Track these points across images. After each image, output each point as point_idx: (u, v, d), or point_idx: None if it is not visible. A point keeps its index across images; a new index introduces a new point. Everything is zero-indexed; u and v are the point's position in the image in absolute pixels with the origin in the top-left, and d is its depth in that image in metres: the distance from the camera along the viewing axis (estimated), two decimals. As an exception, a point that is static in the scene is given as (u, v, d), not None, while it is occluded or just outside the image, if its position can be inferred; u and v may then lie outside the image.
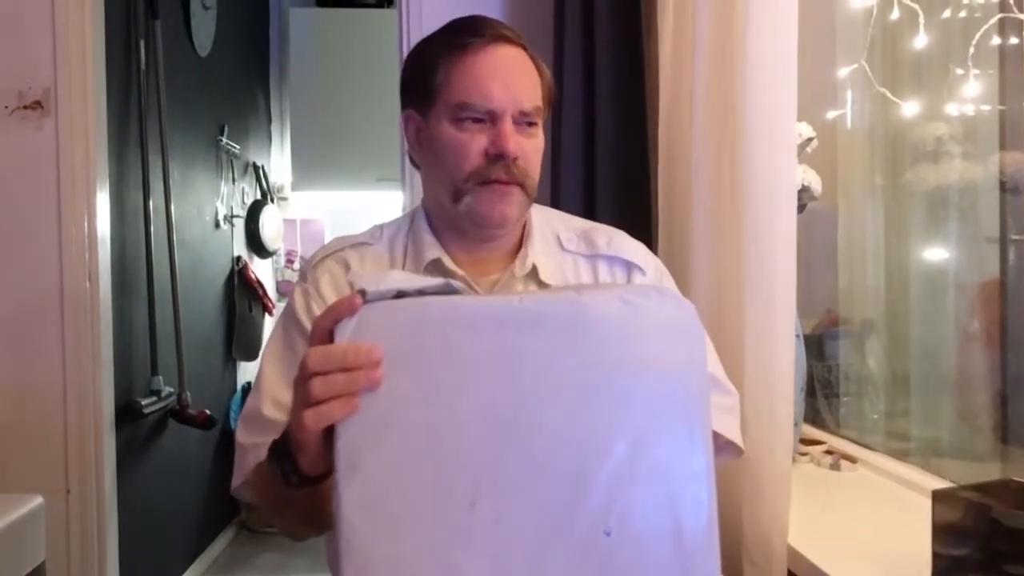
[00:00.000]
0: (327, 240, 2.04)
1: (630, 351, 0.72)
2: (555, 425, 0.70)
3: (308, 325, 1.02)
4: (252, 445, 0.98)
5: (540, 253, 1.09)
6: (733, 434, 1.08)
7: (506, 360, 0.70)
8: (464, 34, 1.01)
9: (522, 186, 1.02)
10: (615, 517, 0.70)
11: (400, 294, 0.73)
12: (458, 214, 1.03)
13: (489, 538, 0.69)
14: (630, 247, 1.13)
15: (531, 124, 1.02)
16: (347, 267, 1.08)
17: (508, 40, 1.02)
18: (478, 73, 0.99)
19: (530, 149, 1.02)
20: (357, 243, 1.11)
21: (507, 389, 0.70)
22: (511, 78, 1.00)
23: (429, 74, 1.03)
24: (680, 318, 0.75)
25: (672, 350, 0.74)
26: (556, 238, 1.12)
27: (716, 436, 0.99)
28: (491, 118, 1.00)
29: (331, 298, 1.04)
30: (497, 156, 0.99)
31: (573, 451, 0.70)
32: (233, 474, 1.02)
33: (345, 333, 0.71)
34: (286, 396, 0.92)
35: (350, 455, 0.69)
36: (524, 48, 1.04)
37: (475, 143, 1.00)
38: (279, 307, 4.27)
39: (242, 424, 1.02)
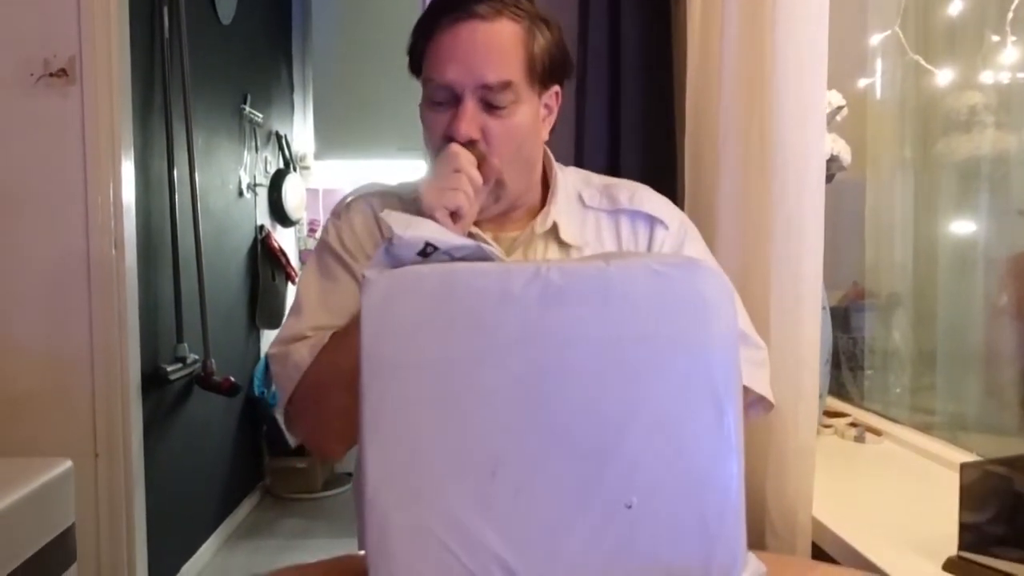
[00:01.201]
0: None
1: (658, 325, 0.71)
2: (579, 397, 0.70)
3: (343, 255, 1.06)
4: (303, 349, 0.99)
5: (562, 211, 1.09)
6: (763, 388, 1.07)
7: (531, 331, 0.70)
8: (438, 13, 1.01)
9: (481, 162, 1.00)
10: (637, 490, 0.69)
11: (429, 245, 0.73)
12: None
13: (508, 507, 0.69)
14: (653, 201, 1.12)
15: (500, 103, 1.00)
16: (376, 211, 1.09)
17: (481, 16, 0.99)
18: (439, 51, 1.00)
19: (498, 130, 1.00)
20: (388, 191, 1.13)
21: (531, 360, 0.70)
22: (472, 55, 0.99)
23: (413, 50, 1.06)
24: (711, 291, 0.72)
25: (702, 325, 0.72)
26: (578, 196, 1.11)
27: (746, 391, 0.99)
28: (453, 96, 1.00)
29: (363, 234, 1.08)
30: (448, 137, 1.00)
31: (596, 424, 0.69)
32: (279, 390, 1.02)
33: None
34: (325, 320, 1.01)
35: (375, 419, 0.70)
36: (513, 18, 1.01)
37: (439, 123, 1.01)
38: (302, 276, 4.28)
39: (282, 342, 1.02)
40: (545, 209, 1.09)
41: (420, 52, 1.04)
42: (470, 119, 0.99)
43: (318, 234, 4.57)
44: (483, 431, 0.69)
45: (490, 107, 1.00)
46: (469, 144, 0.99)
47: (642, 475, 0.69)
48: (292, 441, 3.92)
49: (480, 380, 0.70)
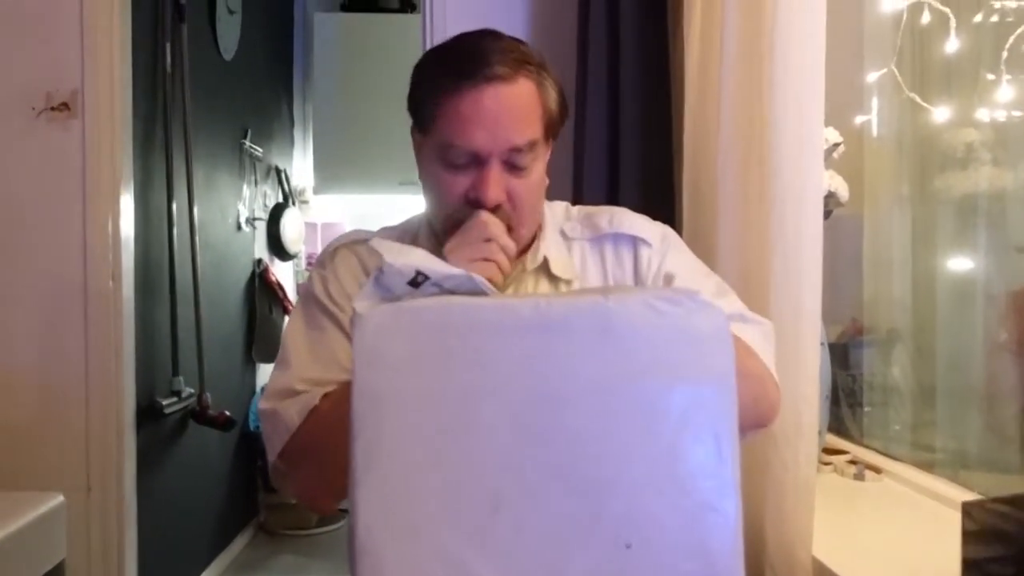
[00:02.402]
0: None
1: (657, 359, 0.70)
2: (578, 432, 0.69)
3: (329, 305, 1.05)
4: (294, 406, 0.97)
5: (551, 246, 1.09)
6: (770, 362, 1.05)
7: (529, 365, 0.69)
8: (454, 74, 0.98)
9: (507, 228, 1.01)
10: (637, 529, 0.68)
11: (419, 274, 0.72)
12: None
13: (507, 545, 0.67)
14: (632, 221, 1.12)
15: (523, 163, 1.00)
16: (361, 259, 1.09)
17: (502, 78, 0.98)
18: (463, 117, 0.98)
19: (521, 190, 1.01)
20: (369, 239, 1.11)
21: (530, 394, 0.69)
22: (499, 120, 0.98)
23: (423, 104, 1.03)
24: (709, 326, 0.72)
25: (700, 359, 0.71)
26: (560, 231, 1.12)
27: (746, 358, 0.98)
28: (476, 160, 0.99)
29: (348, 282, 1.06)
30: (475, 201, 0.99)
31: (595, 460, 0.69)
32: (268, 448, 1.00)
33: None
34: (314, 372, 0.99)
35: (367, 455, 0.68)
36: (528, 76, 1.00)
37: (458, 184, 1.00)
38: (300, 310, 4.27)
39: (272, 397, 1.01)
40: (535, 245, 1.09)
41: (431, 109, 1.01)
42: (496, 183, 0.99)
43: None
44: (481, 467, 0.68)
45: (512, 167, 1.00)
46: (495, 208, 0.99)
47: (642, 512, 0.68)
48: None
49: (478, 415, 0.69)
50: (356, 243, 1.11)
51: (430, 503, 0.68)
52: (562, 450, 0.68)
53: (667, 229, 1.14)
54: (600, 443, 0.69)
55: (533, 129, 1.01)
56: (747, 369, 0.95)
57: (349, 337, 0.72)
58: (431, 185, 1.04)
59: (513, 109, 0.99)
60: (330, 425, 0.91)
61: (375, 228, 1.18)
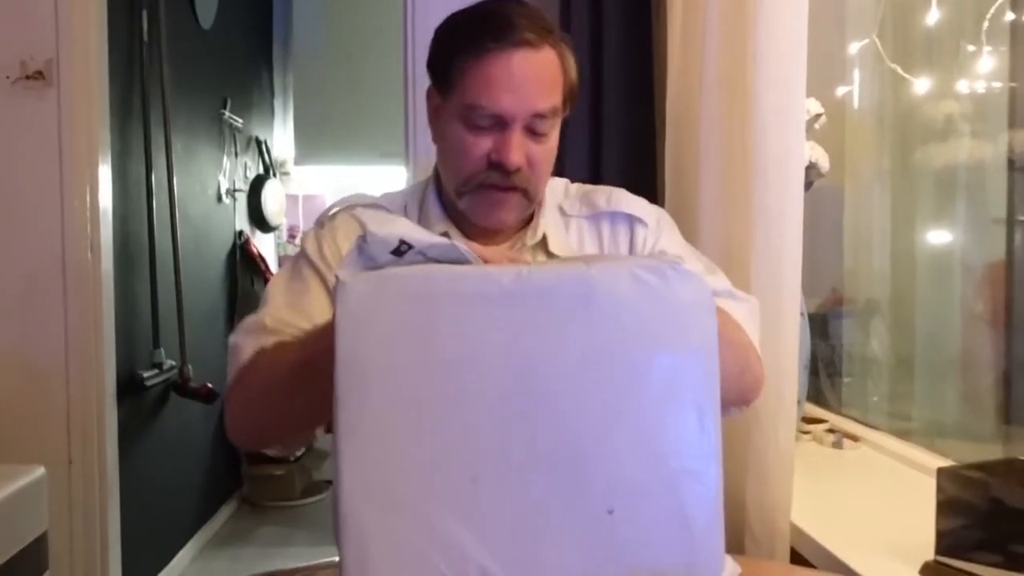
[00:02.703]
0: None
1: (639, 329, 0.70)
2: (561, 403, 0.69)
3: (319, 264, 1.05)
4: (254, 342, 0.98)
5: (551, 223, 1.10)
6: (758, 341, 1.07)
7: (512, 335, 0.69)
8: (486, 36, 0.99)
9: (524, 192, 1.03)
10: (619, 496, 0.69)
11: (403, 243, 0.72)
12: (460, 208, 1.06)
13: (489, 514, 0.68)
14: (630, 201, 1.13)
15: (543, 129, 1.01)
16: (362, 225, 1.08)
17: (529, 44, 0.99)
18: (490, 79, 0.98)
19: (540, 155, 1.03)
20: (372, 204, 1.12)
21: (512, 364, 0.69)
22: (525, 85, 0.99)
23: (447, 65, 1.02)
24: (692, 296, 0.72)
25: (683, 329, 0.71)
26: (559, 207, 1.13)
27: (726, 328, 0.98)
28: (500, 123, 0.99)
29: (345, 246, 1.06)
30: (498, 164, 1.00)
31: (578, 429, 0.69)
32: (229, 373, 1.01)
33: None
34: (287, 316, 1.00)
35: (352, 426, 0.68)
36: (552, 45, 1.02)
37: (479, 146, 1.01)
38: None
39: (241, 332, 1.02)
40: (534, 221, 1.10)
41: (456, 71, 1.01)
42: (519, 146, 1.00)
43: (297, 240, 4.58)
44: (464, 438, 0.68)
45: (533, 133, 1.01)
46: (516, 171, 1.00)
47: (624, 480, 0.69)
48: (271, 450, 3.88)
49: (461, 386, 0.69)
50: (358, 207, 1.11)
51: (413, 474, 0.68)
52: (545, 420, 0.69)
53: (662, 211, 1.16)
54: (583, 412, 0.69)
55: (555, 96, 1.02)
56: (733, 339, 0.97)
57: (332, 299, 0.73)
58: (450, 146, 1.04)
59: (539, 75, 1.00)
60: (266, 368, 0.94)
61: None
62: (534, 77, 0.99)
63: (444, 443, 0.68)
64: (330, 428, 0.73)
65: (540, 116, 1.00)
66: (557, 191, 1.15)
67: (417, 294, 0.70)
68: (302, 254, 1.08)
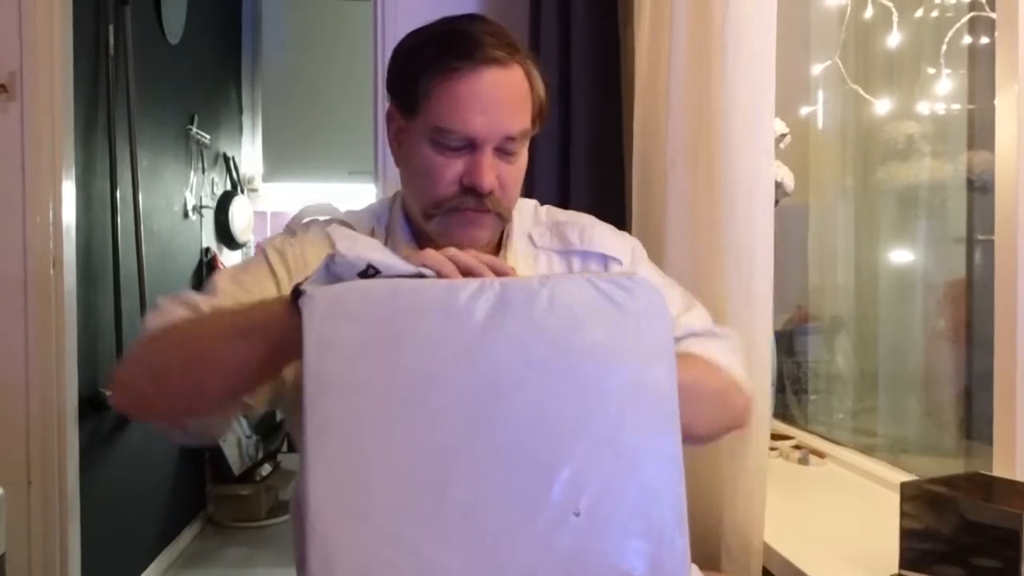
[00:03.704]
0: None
1: (597, 339, 0.72)
2: (523, 413, 0.70)
3: (278, 268, 1.01)
4: (183, 312, 0.94)
5: (520, 255, 1.07)
6: (739, 374, 1.04)
7: (475, 345, 0.70)
8: (452, 55, 0.95)
9: (497, 214, 1.00)
10: (584, 500, 0.70)
11: (370, 267, 0.72)
12: (429, 230, 1.02)
13: (458, 525, 0.68)
14: (603, 238, 1.10)
15: (513, 149, 0.98)
16: (332, 243, 1.05)
17: (498, 62, 0.95)
18: (460, 100, 0.95)
19: (510, 176, 1.00)
20: (342, 221, 1.07)
21: (476, 375, 0.70)
22: (496, 106, 0.95)
23: (412, 84, 0.98)
24: (649, 306, 0.75)
25: (640, 339, 0.74)
26: (528, 236, 1.09)
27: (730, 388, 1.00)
28: (470, 145, 0.96)
29: (313, 261, 1.00)
30: (470, 188, 0.96)
31: (541, 438, 0.70)
32: (144, 324, 0.94)
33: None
34: (231, 292, 0.96)
35: (319, 439, 0.69)
36: (520, 63, 0.98)
37: (450, 169, 0.97)
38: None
39: (176, 300, 0.97)
40: (502, 253, 1.06)
41: (422, 91, 0.97)
42: (490, 168, 0.96)
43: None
44: (429, 451, 0.69)
45: (503, 153, 0.98)
46: (488, 194, 0.97)
47: (589, 487, 0.70)
48: (236, 468, 3.84)
49: (425, 397, 0.69)
50: (333, 223, 1.05)
51: (380, 487, 0.68)
52: (508, 431, 0.70)
53: (636, 243, 1.14)
54: (545, 423, 0.70)
55: (525, 116, 0.99)
56: (708, 386, 0.97)
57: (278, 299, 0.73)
58: (417, 169, 0.99)
59: (510, 95, 0.97)
60: (167, 337, 0.89)
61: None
62: (505, 97, 0.96)
63: (409, 457, 0.69)
64: (293, 447, 0.72)
65: (511, 138, 0.97)
66: (526, 215, 1.11)
67: (380, 307, 0.71)
68: (261, 253, 1.05)
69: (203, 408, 0.91)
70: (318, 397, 0.69)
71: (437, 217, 0.99)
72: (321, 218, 1.09)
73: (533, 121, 1.02)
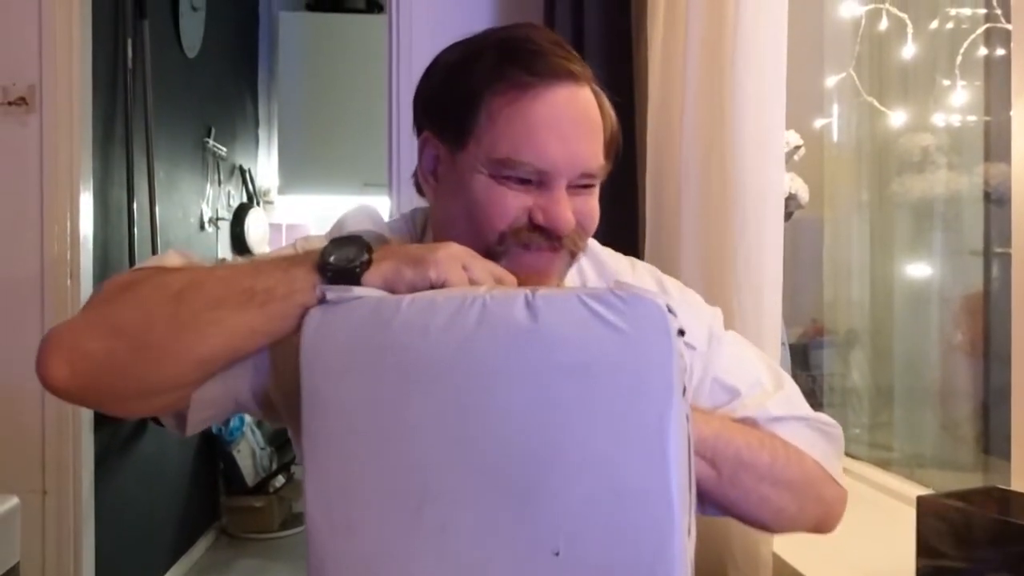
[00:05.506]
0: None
1: (587, 358, 0.65)
2: (506, 433, 0.66)
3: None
4: (172, 258, 0.85)
5: None
6: (832, 466, 0.92)
7: (457, 362, 0.67)
8: (519, 67, 0.79)
9: (571, 252, 0.86)
10: (565, 537, 0.64)
11: None
12: None
13: (434, 543, 0.67)
14: (682, 316, 0.90)
15: (590, 183, 0.84)
16: None
17: (574, 78, 0.81)
18: (533, 124, 0.79)
19: (587, 213, 0.85)
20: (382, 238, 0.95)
21: (458, 392, 0.67)
22: (575, 134, 0.81)
23: (465, 108, 0.81)
24: (647, 324, 0.65)
25: (634, 359, 0.65)
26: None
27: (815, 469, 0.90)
28: (542, 178, 0.80)
29: None
30: (545, 228, 0.81)
31: (523, 460, 0.65)
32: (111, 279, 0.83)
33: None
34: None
35: (313, 451, 0.70)
36: (589, 81, 0.84)
37: (517, 202, 0.81)
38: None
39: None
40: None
41: (477, 114, 0.80)
42: (566, 207, 0.81)
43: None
44: (410, 466, 0.68)
45: (578, 188, 0.83)
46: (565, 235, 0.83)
47: (571, 516, 0.65)
48: (250, 480, 3.85)
49: (407, 413, 0.68)
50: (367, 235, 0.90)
51: (365, 500, 0.69)
52: (490, 449, 0.66)
53: (714, 319, 0.96)
54: (528, 443, 0.65)
55: (601, 147, 0.84)
56: (782, 477, 0.86)
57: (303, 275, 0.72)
58: (472, 205, 0.82)
59: (590, 120, 0.83)
60: (152, 287, 0.77)
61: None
62: (585, 123, 0.82)
63: (391, 472, 0.69)
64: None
65: (588, 175, 0.83)
66: (585, 267, 0.95)
67: (367, 322, 0.70)
68: (292, 248, 0.92)
69: (171, 383, 0.77)
70: (311, 411, 0.70)
71: (501, 257, 0.82)
72: (363, 230, 0.91)
73: (608, 154, 0.87)
